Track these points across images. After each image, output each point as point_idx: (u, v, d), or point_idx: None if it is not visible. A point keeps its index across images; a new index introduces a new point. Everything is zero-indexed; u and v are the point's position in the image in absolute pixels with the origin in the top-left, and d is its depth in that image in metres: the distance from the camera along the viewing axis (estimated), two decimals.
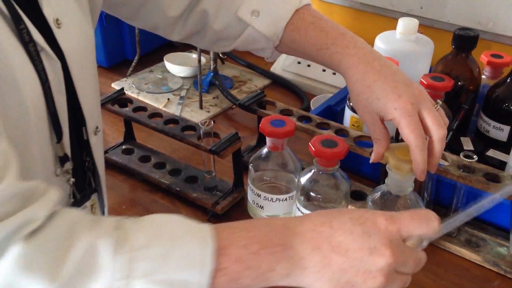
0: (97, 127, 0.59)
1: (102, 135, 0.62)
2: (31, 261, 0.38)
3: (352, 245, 0.45)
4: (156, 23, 0.73)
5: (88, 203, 0.60)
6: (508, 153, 0.81)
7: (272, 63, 1.23)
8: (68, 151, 0.55)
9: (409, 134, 0.59)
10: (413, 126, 0.59)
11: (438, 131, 0.61)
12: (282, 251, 0.45)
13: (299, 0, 0.69)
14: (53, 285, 0.38)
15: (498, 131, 0.86)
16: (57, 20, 0.51)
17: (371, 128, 0.64)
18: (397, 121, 0.60)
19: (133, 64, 1.20)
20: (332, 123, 0.83)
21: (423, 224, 0.48)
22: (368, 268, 0.45)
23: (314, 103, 1.05)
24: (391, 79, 0.62)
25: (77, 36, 0.54)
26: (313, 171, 0.71)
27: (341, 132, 0.81)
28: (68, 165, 0.55)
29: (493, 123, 0.86)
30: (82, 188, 0.60)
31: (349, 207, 0.77)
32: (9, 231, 0.38)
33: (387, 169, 0.66)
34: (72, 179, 0.56)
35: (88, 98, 0.57)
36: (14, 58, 0.45)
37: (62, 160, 0.54)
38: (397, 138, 0.86)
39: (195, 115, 1.05)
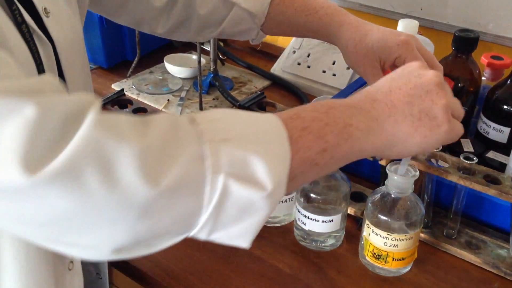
0: None
1: None
2: (111, 125, 0.36)
3: (401, 81, 0.48)
4: (141, 16, 0.72)
5: None
6: (508, 155, 0.81)
7: (272, 64, 1.23)
8: None
9: None
10: (420, 59, 0.63)
11: (439, 64, 0.65)
12: (349, 108, 0.45)
13: None
14: (140, 145, 0.35)
15: (498, 132, 0.85)
16: (45, 9, 0.51)
17: (372, 79, 0.66)
18: (403, 57, 0.63)
19: (133, 65, 1.20)
20: None
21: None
22: (426, 88, 0.47)
23: None
24: (384, 28, 0.67)
25: (65, 26, 0.54)
26: None
27: None
28: None
29: (493, 124, 0.86)
30: None
31: (349, 209, 0.77)
32: (83, 102, 0.36)
33: (387, 170, 0.66)
34: None
35: (77, 87, 0.57)
36: (10, 38, 0.45)
37: None
38: None
39: None
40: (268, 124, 0.42)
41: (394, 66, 0.66)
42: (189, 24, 0.73)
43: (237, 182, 0.38)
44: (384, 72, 0.66)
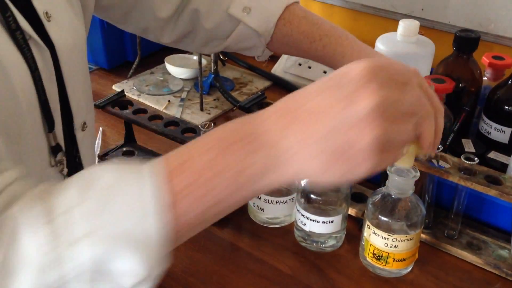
0: (84, 123, 0.59)
1: (92, 133, 0.62)
2: None
3: (325, 103, 0.37)
4: (146, 25, 0.73)
5: None
6: (509, 155, 0.81)
7: (273, 65, 1.23)
8: (61, 141, 0.55)
9: None
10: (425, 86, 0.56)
11: (440, 103, 0.58)
12: (252, 141, 0.38)
13: None
14: None
15: (499, 133, 0.85)
16: (46, 13, 0.51)
17: None
18: None
19: (134, 66, 1.20)
20: None
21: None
22: (357, 118, 0.36)
23: None
24: (385, 58, 0.67)
25: (67, 31, 0.54)
26: None
27: None
28: (61, 156, 0.55)
29: (494, 125, 0.85)
30: None
31: (350, 210, 0.77)
32: None
33: (387, 171, 0.65)
34: (66, 169, 0.56)
35: (77, 93, 0.57)
36: (0, 45, 0.45)
37: (55, 150, 0.54)
38: None
39: (196, 117, 1.05)
40: (136, 198, 0.37)
41: None
42: (194, 36, 0.74)
43: (100, 283, 0.37)
44: None
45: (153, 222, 0.37)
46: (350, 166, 0.38)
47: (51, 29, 0.51)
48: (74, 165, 0.59)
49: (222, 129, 0.40)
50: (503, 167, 0.81)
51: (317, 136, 0.37)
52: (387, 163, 0.40)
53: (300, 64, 1.18)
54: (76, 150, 0.59)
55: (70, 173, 0.57)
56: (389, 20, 1.15)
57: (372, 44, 0.97)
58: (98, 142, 0.95)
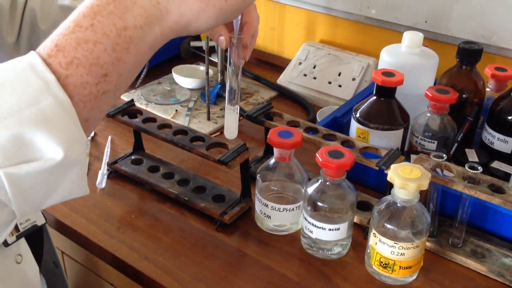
0: None
1: None
2: None
3: None
4: None
5: None
6: None
7: (278, 75, 1.24)
8: None
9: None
10: None
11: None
12: (121, 3, 0.39)
13: None
14: None
15: (502, 143, 0.86)
16: None
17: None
18: None
19: (142, 76, 1.22)
20: (338, 134, 0.84)
21: None
22: None
23: (320, 115, 1.06)
24: None
25: None
26: (320, 181, 0.72)
27: (347, 143, 0.82)
28: None
29: (497, 135, 0.87)
30: None
31: (355, 218, 0.78)
32: None
33: (392, 190, 0.67)
34: None
35: None
36: None
37: None
38: (404, 148, 0.87)
39: (203, 127, 1.06)
40: (26, 81, 0.36)
41: None
42: (37, 40, 0.72)
43: (19, 167, 0.35)
44: None
45: (50, 97, 0.36)
46: (222, 5, 0.42)
47: None
48: None
49: (83, 4, 0.39)
50: (506, 177, 0.82)
51: None
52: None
53: (305, 75, 1.20)
54: None
55: None
56: (393, 32, 1.17)
57: (377, 56, 0.99)
58: (107, 150, 0.97)
